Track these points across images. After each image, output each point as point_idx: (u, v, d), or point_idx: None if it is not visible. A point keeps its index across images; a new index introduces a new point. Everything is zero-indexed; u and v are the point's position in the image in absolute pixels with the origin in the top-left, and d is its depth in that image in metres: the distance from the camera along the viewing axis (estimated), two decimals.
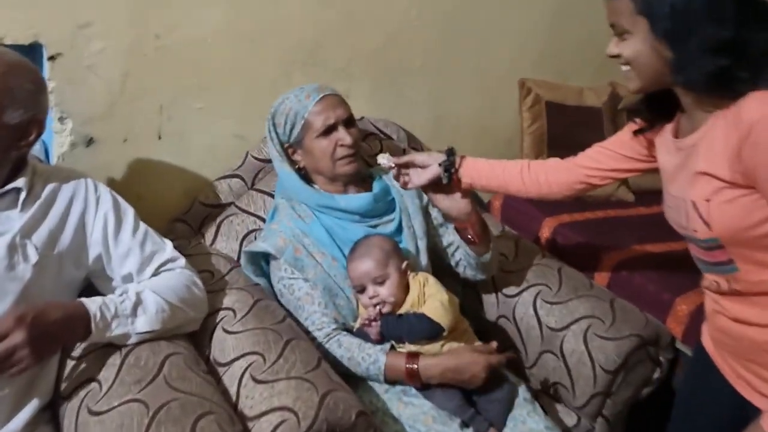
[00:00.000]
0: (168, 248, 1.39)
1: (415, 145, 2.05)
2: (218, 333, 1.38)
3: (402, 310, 1.42)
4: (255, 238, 1.67)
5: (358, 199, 1.54)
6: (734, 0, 0.96)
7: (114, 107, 1.64)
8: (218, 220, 1.72)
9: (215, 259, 1.60)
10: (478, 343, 1.46)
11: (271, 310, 1.44)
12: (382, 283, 1.40)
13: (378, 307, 1.39)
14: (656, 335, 1.58)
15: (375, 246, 1.42)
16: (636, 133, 1.25)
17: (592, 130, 2.38)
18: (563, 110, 2.35)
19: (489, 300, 1.76)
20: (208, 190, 1.76)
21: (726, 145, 0.96)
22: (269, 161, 1.78)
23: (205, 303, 1.39)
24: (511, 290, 1.72)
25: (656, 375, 1.61)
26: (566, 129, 2.34)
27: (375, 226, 1.54)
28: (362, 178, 1.61)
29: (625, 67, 1.07)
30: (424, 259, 1.57)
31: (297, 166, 1.57)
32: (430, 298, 1.41)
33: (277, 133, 1.54)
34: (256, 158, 1.80)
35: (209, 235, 1.70)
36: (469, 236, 1.53)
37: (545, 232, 2.08)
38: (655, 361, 1.60)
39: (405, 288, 1.43)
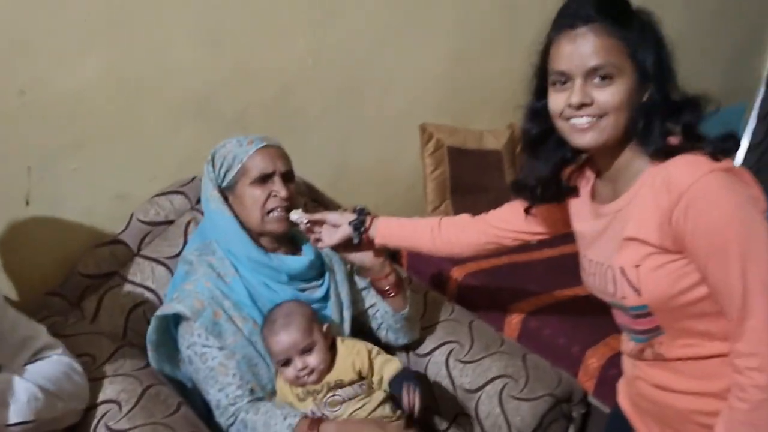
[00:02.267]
0: (42, 334, 1.24)
1: (316, 196, 1.96)
2: None
3: (340, 375, 1.34)
4: (144, 312, 1.52)
5: (294, 261, 1.45)
6: None
7: None
8: (100, 292, 1.55)
9: (97, 340, 1.44)
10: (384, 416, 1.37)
11: (163, 399, 1.30)
12: (309, 351, 1.32)
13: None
14: (569, 392, 1.57)
15: (296, 314, 1.33)
16: (526, 211, 1.23)
17: (493, 172, 2.40)
18: (464, 154, 2.34)
19: (400, 359, 1.68)
20: (87, 258, 1.58)
21: (656, 210, 0.95)
22: (157, 224, 1.64)
23: (87, 391, 1.25)
24: (423, 348, 1.68)
25: (570, 431, 1.60)
26: (468, 173, 2.35)
27: (303, 290, 1.46)
28: (288, 239, 1.51)
29: (587, 119, 0.98)
30: (347, 328, 1.51)
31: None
32: (387, 363, 1.38)
33: (213, 176, 1.45)
34: (141, 221, 1.63)
35: (90, 310, 1.53)
36: (386, 288, 1.50)
37: (453, 282, 2.05)
38: (568, 418, 1.59)
39: (331, 351, 1.37)
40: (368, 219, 1.43)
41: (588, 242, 1.11)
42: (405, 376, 1.34)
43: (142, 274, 1.56)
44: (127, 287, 1.55)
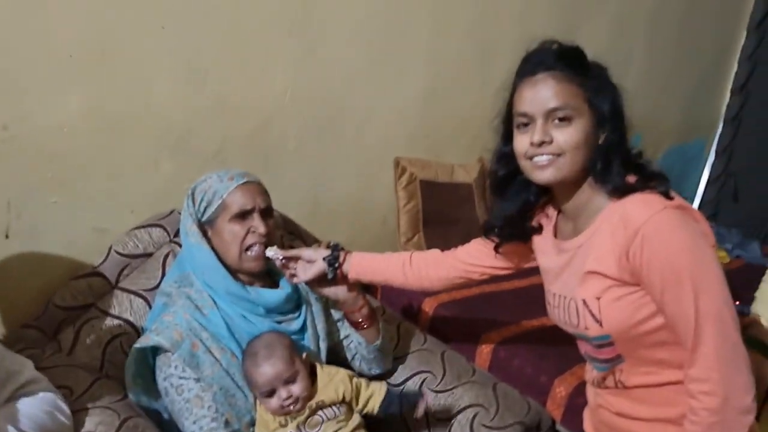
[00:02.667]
0: (27, 369, 1.24)
1: (293, 229, 2.00)
2: None
3: (322, 397, 1.37)
4: (121, 344, 1.53)
5: (271, 295, 1.47)
6: None
7: None
8: (77, 324, 1.55)
9: (74, 372, 1.44)
10: None
11: (141, 431, 1.31)
12: (293, 380, 1.34)
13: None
14: (538, 420, 1.61)
15: (276, 345, 1.35)
16: (496, 249, 1.30)
17: (464, 205, 2.47)
18: (436, 187, 2.42)
19: None
20: (64, 291, 1.59)
21: (614, 245, 1.02)
22: (135, 256, 1.66)
23: (71, 430, 1.25)
24: (396, 378, 1.71)
25: None
26: (440, 205, 2.42)
27: (280, 323, 1.48)
28: (265, 272, 1.54)
29: (547, 157, 1.05)
30: (323, 359, 1.54)
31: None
32: (373, 385, 1.43)
33: (193, 210, 1.47)
34: (120, 253, 1.65)
35: (66, 342, 1.53)
36: (360, 320, 1.55)
37: (426, 313, 2.10)
38: None
39: (312, 378, 1.39)
40: (342, 254, 1.48)
41: (552, 277, 1.18)
42: (391, 397, 1.41)
43: (120, 307, 1.58)
44: (105, 319, 1.55)
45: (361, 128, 2.24)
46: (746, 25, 3.63)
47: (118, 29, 1.60)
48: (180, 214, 1.54)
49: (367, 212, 2.36)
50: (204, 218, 1.46)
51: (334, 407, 1.38)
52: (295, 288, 1.54)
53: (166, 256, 1.66)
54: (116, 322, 1.56)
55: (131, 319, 1.57)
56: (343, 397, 1.39)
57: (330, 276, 1.46)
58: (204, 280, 1.44)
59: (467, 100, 2.49)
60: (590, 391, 1.26)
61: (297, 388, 1.34)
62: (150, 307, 1.57)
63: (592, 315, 1.07)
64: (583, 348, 1.18)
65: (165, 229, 1.71)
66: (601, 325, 1.06)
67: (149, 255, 1.68)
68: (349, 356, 1.64)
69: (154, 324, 1.40)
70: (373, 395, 1.41)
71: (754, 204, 3.71)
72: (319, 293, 1.53)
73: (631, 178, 1.05)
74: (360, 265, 1.47)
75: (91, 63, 1.58)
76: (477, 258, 1.39)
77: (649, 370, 1.08)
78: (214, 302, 1.42)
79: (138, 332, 1.55)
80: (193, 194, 1.48)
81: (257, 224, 1.43)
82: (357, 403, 1.41)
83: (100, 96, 1.61)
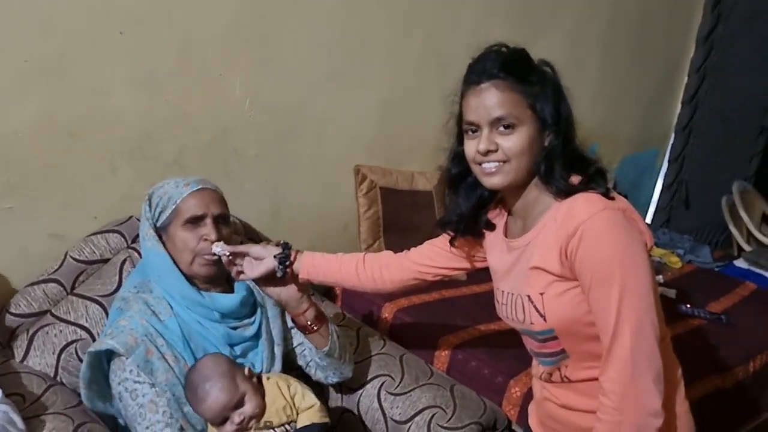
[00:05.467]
0: None
1: (253, 235, 2.01)
2: None
3: (270, 416, 1.35)
4: (76, 350, 1.52)
5: (225, 299, 1.47)
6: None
7: None
8: (31, 331, 1.54)
9: (27, 379, 1.43)
10: None
11: None
12: (242, 403, 1.33)
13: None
14: (494, 420, 1.64)
15: (214, 375, 1.33)
16: (451, 242, 1.33)
17: (424, 212, 2.50)
18: (397, 195, 2.45)
19: (333, 395, 1.75)
20: (18, 298, 1.57)
21: (556, 242, 1.06)
22: (92, 262, 1.65)
23: None
24: (355, 382, 1.72)
25: None
26: (400, 212, 2.44)
27: (235, 328, 1.48)
28: (224, 278, 1.53)
29: (495, 164, 1.09)
30: (278, 365, 1.53)
31: None
32: (304, 400, 1.40)
33: (149, 215, 1.46)
34: (76, 259, 1.64)
35: (20, 350, 1.52)
36: (306, 323, 1.50)
37: (385, 317, 2.12)
38: None
39: (260, 390, 1.37)
40: (293, 253, 1.44)
41: (501, 275, 1.22)
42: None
43: (75, 313, 1.56)
44: (60, 326, 1.54)
45: (321, 136, 2.26)
46: (695, 39, 3.77)
47: (75, 34, 1.60)
48: (138, 220, 1.53)
49: (328, 219, 2.38)
50: (159, 224, 1.46)
51: (283, 428, 1.37)
52: (251, 292, 1.53)
53: (123, 262, 1.65)
54: (71, 328, 1.55)
55: (87, 325, 1.56)
56: (289, 417, 1.38)
57: (279, 275, 1.41)
58: (162, 285, 1.44)
59: (426, 109, 2.53)
60: (536, 385, 1.30)
61: (248, 409, 1.33)
62: (106, 313, 1.56)
63: (537, 310, 1.11)
64: (529, 344, 1.22)
65: (122, 235, 1.70)
66: (545, 319, 1.10)
67: (106, 261, 1.67)
68: (303, 364, 1.63)
69: (110, 328, 1.39)
70: (304, 413, 1.40)
71: (705, 210, 3.84)
72: (264, 292, 1.49)
73: (575, 179, 1.10)
74: (312, 264, 1.45)
75: (47, 68, 1.57)
76: (430, 259, 1.41)
77: (592, 364, 1.12)
78: (172, 309, 1.42)
79: (94, 338, 1.54)
80: (150, 199, 1.48)
81: (209, 231, 1.43)
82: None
83: (56, 101, 1.61)
